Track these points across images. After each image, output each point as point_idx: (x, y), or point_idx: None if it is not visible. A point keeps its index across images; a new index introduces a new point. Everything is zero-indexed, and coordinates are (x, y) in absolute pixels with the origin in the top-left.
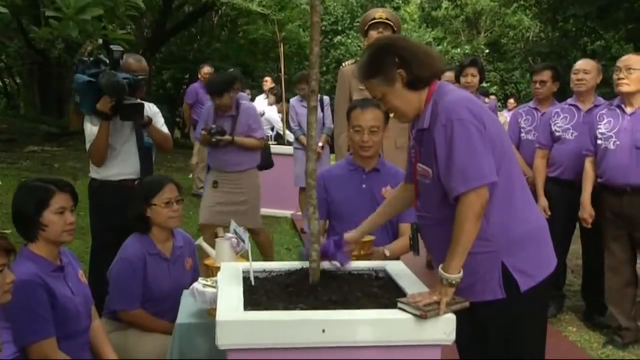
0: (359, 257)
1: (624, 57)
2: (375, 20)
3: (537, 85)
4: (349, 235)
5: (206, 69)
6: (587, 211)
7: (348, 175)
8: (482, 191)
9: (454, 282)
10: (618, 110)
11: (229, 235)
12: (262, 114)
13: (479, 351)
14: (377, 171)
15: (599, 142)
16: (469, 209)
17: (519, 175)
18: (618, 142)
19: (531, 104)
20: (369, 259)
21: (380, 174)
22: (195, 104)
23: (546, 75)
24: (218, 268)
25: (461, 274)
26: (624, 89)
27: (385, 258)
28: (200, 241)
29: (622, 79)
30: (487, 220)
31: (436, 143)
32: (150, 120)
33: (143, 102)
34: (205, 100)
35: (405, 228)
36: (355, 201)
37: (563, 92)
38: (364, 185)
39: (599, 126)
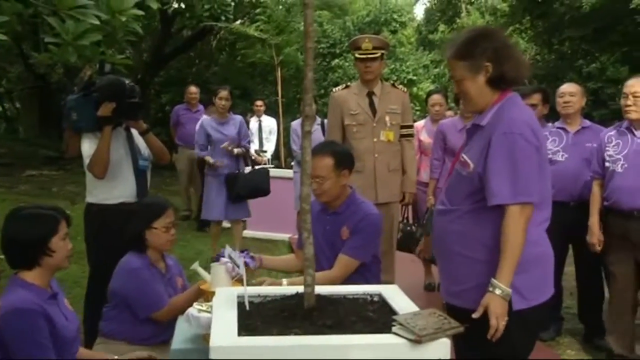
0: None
1: (630, 83)
2: (362, 54)
3: None
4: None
5: (193, 89)
6: (595, 235)
7: (317, 215)
8: (527, 207)
9: (504, 294)
10: (627, 133)
11: (224, 259)
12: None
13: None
14: (337, 214)
15: (606, 164)
16: (516, 222)
17: (547, 201)
18: (626, 165)
19: None
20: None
21: (339, 216)
22: (177, 127)
23: (536, 98)
24: (214, 293)
25: (510, 289)
26: (632, 116)
27: None
28: (196, 266)
29: (630, 105)
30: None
31: (492, 147)
32: (149, 128)
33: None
34: (186, 122)
35: (342, 259)
36: (320, 241)
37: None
38: (327, 227)
39: (607, 148)
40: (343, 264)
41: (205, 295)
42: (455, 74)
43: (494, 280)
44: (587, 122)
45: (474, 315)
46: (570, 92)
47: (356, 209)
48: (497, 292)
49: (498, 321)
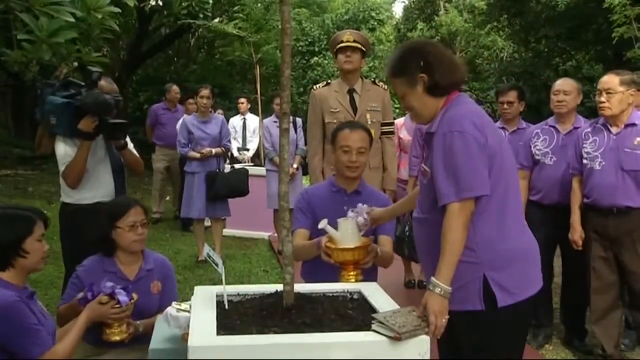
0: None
1: (603, 80)
2: (343, 44)
3: (505, 105)
4: (375, 211)
5: (176, 89)
6: (577, 233)
7: (330, 197)
8: (468, 203)
9: (443, 292)
10: (604, 130)
11: (352, 214)
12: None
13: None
14: (358, 193)
15: (584, 161)
16: (454, 219)
17: (515, 193)
18: (604, 163)
19: (498, 123)
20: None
21: (361, 197)
22: (155, 126)
23: (512, 95)
24: (342, 250)
25: (449, 287)
26: (607, 112)
27: (376, 256)
28: (324, 223)
29: (603, 102)
30: (474, 231)
31: (434, 149)
32: (126, 144)
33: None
34: (166, 122)
35: (384, 240)
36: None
37: (538, 112)
38: (345, 207)
39: (584, 145)
40: (389, 244)
41: (331, 251)
42: (396, 91)
43: (433, 279)
44: (581, 121)
45: (415, 314)
46: (564, 91)
47: (372, 190)
48: (437, 290)
49: (436, 319)
